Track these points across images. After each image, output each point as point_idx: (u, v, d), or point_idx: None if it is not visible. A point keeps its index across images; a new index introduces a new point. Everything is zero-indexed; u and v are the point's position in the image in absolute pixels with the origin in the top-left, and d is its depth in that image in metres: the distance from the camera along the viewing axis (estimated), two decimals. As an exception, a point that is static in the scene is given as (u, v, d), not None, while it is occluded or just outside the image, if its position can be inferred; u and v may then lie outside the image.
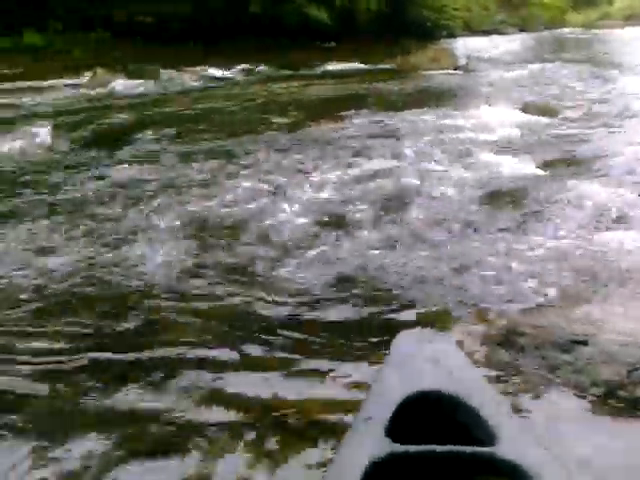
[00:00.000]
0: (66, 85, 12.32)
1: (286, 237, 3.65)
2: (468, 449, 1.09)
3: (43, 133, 6.79)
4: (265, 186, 4.64)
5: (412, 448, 1.08)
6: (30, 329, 2.69)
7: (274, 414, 2.00)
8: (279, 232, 3.73)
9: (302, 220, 3.92)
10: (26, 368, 2.36)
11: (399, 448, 1.09)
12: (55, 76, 13.20)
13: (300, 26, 19.25)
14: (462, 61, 15.07)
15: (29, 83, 12.36)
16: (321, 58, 16.68)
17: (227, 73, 13.97)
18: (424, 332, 1.99)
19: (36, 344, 2.56)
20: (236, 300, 2.90)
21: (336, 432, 1.83)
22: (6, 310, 2.86)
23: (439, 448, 1.09)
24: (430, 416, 1.25)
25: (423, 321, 2.60)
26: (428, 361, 1.33)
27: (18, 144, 6.43)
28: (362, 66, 15.44)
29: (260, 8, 18.95)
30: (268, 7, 19.08)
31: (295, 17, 19.31)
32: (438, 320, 2.63)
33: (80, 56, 16.47)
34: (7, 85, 12.26)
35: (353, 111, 8.02)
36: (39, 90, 11.47)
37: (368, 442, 1.10)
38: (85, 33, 17.71)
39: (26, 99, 10.31)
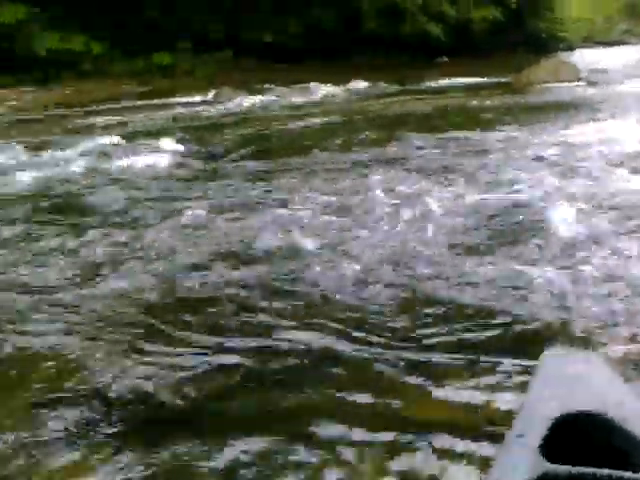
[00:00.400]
0: (188, 103, 12.98)
1: (357, 262, 3.38)
2: (632, 475, 1.04)
3: (154, 149, 7.18)
4: (333, 205, 4.47)
5: (570, 469, 1.04)
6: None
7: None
8: (345, 255, 3.50)
9: (375, 240, 3.71)
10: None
11: (555, 469, 1.05)
12: (180, 94, 13.96)
13: (416, 42, 19.25)
14: (582, 73, 14.49)
15: (156, 101, 13.14)
16: (434, 73, 16.58)
17: (336, 90, 14.16)
18: (573, 351, 1.91)
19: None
20: (298, 330, 2.69)
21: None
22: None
23: (599, 471, 1.04)
24: (582, 438, 1.20)
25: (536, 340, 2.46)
26: (580, 380, 1.27)
27: (139, 159, 6.76)
28: (477, 80, 15.21)
29: (374, 26, 19.13)
30: (383, 25, 19.22)
31: (413, 36, 19.34)
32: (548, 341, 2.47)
33: (204, 75, 17.33)
34: (134, 103, 13.08)
35: (464, 125, 7.89)
36: (164, 107, 12.15)
37: (523, 461, 1.07)
38: (210, 53, 18.65)
39: (151, 116, 10.92)
